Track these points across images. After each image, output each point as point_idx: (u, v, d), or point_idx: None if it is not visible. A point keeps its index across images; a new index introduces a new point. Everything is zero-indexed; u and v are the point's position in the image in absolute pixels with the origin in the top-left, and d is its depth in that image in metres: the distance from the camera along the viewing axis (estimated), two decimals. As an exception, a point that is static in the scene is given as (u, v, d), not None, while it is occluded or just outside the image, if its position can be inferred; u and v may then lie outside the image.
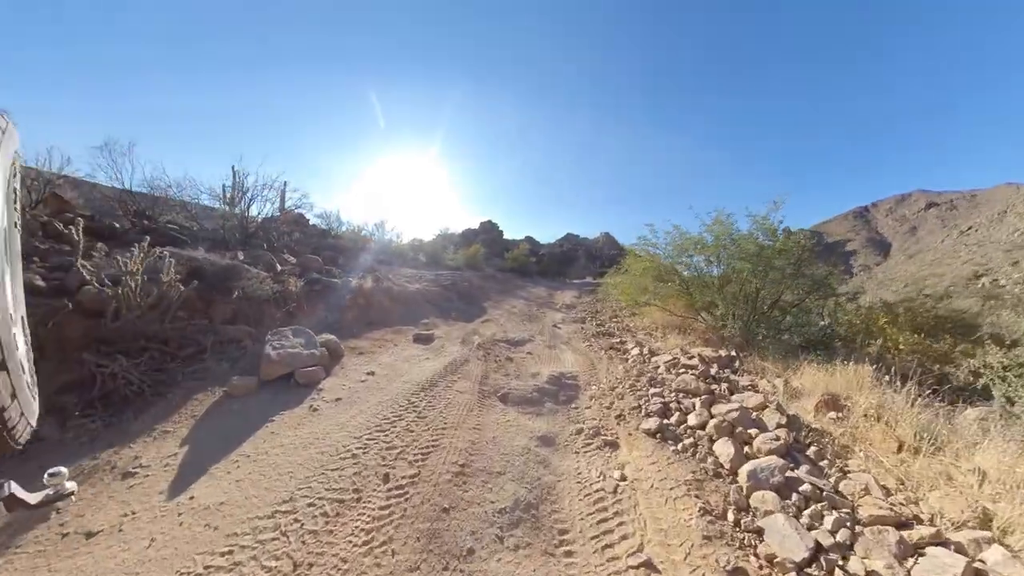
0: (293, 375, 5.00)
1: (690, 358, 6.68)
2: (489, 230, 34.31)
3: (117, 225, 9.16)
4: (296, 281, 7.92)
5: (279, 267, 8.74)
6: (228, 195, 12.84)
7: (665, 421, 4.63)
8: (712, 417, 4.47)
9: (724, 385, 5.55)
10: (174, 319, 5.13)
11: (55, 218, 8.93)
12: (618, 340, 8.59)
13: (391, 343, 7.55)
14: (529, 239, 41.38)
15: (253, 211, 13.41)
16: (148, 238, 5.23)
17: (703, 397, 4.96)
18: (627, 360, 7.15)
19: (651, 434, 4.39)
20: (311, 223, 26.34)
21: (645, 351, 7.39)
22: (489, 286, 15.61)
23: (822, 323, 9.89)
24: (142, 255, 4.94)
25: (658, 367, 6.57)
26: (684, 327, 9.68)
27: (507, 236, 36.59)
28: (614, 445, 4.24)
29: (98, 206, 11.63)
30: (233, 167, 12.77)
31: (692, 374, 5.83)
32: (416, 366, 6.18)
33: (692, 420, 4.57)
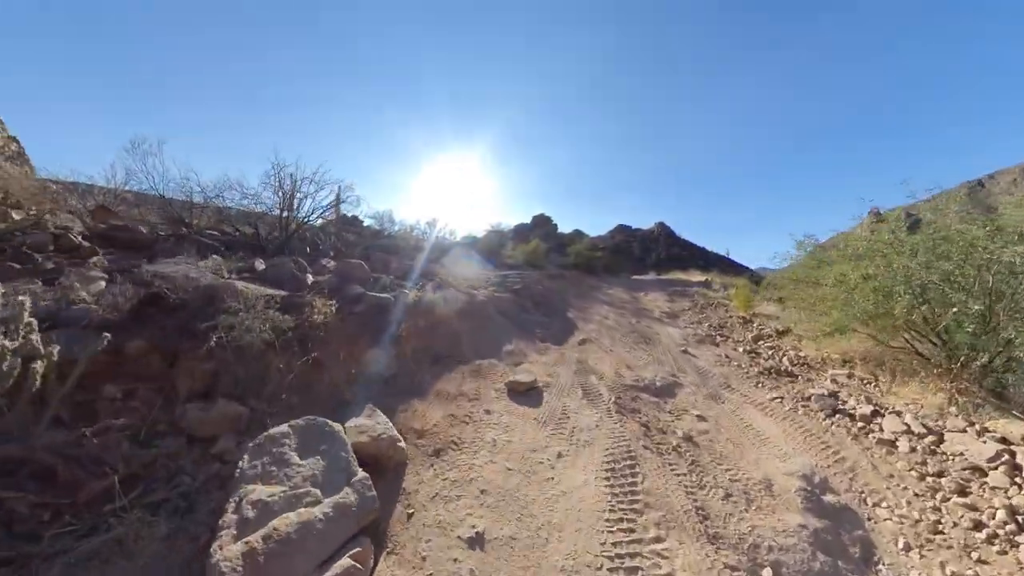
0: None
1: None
2: (543, 224, 31.04)
3: (161, 233, 6.73)
4: (326, 304, 5.05)
5: (310, 278, 5.95)
6: (280, 194, 10.31)
7: None
8: None
9: None
10: (59, 423, 2.28)
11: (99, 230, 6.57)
12: (819, 390, 5.22)
13: (477, 404, 4.54)
14: (578, 232, 37.82)
15: (305, 210, 10.86)
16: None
17: None
18: (894, 451, 3.80)
19: None
20: (365, 224, 24.21)
21: (916, 438, 3.99)
22: (562, 288, 12.45)
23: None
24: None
25: (968, 475, 3.22)
26: (880, 358, 6.17)
27: (561, 229, 33.24)
28: None
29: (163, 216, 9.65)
30: (273, 163, 10.20)
31: None
32: (550, 487, 3.08)
33: None
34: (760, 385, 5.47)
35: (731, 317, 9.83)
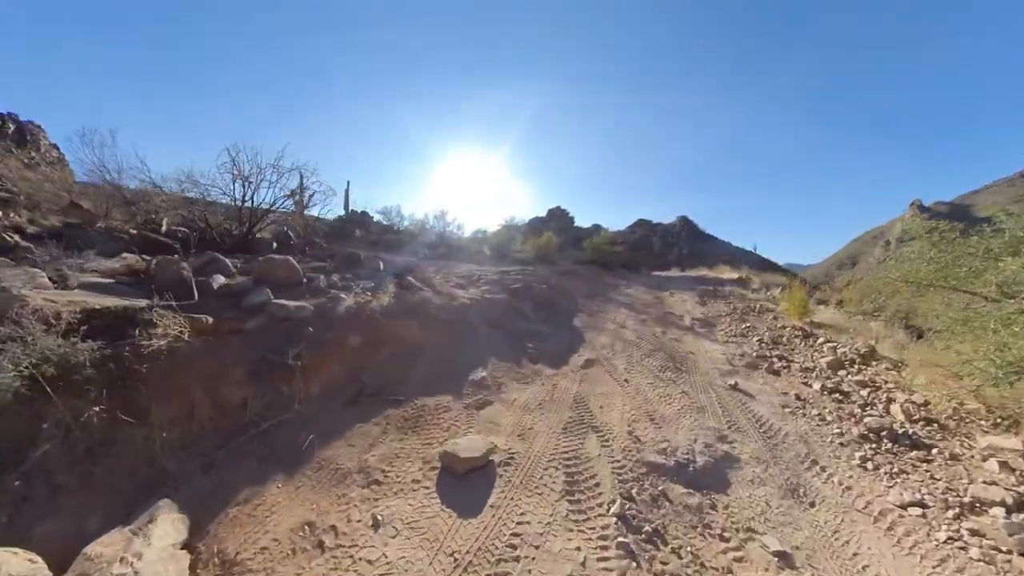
0: None
1: None
2: (559, 217, 28.73)
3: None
4: (176, 322, 3.10)
5: (220, 280, 4.05)
6: (239, 183, 8.53)
7: None
8: None
9: None
10: None
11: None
12: (988, 492, 2.88)
13: (368, 502, 2.47)
14: (596, 227, 35.23)
15: (268, 200, 9.04)
16: None
17: None
18: None
19: None
20: (375, 220, 22.59)
21: None
22: (573, 287, 10.23)
23: None
24: None
25: None
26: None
27: (577, 223, 30.79)
28: None
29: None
30: (228, 147, 8.39)
31: None
32: None
33: None
34: (870, 465, 3.21)
35: (784, 328, 7.44)
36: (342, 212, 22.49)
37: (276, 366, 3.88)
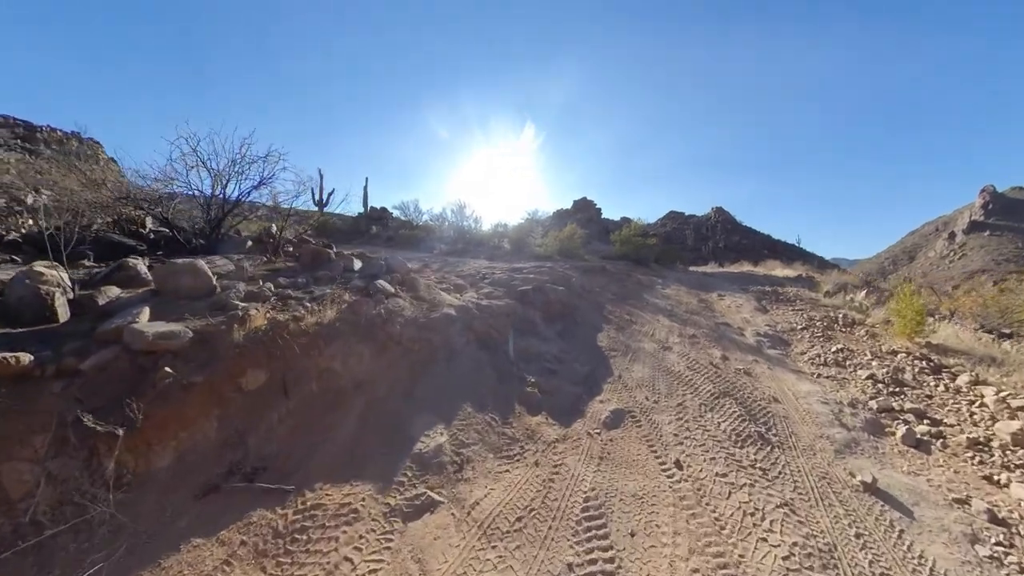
0: None
1: None
2: (585, 208, 26.31)
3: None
4: None
5: (109, 295, 2.28)
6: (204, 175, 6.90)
7: None
8: None
9: None
10: None
11: None
12: None
13: None
14: (625, 220, 32.50)
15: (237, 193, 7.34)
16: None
17: None
18: None
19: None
20: (393, 215, 21.41)
21: None
22: (598, 287, 8.13)
23: None
24: None
25: None
26: None
27: (605, 215, 28.25)
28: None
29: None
30: (186, 135, 6.73)
31: None
32: None
33: None
34: None
35: (895, 354, 5.12)
36: (361, 209, 21.22)
37: (88, 433, 2.12)
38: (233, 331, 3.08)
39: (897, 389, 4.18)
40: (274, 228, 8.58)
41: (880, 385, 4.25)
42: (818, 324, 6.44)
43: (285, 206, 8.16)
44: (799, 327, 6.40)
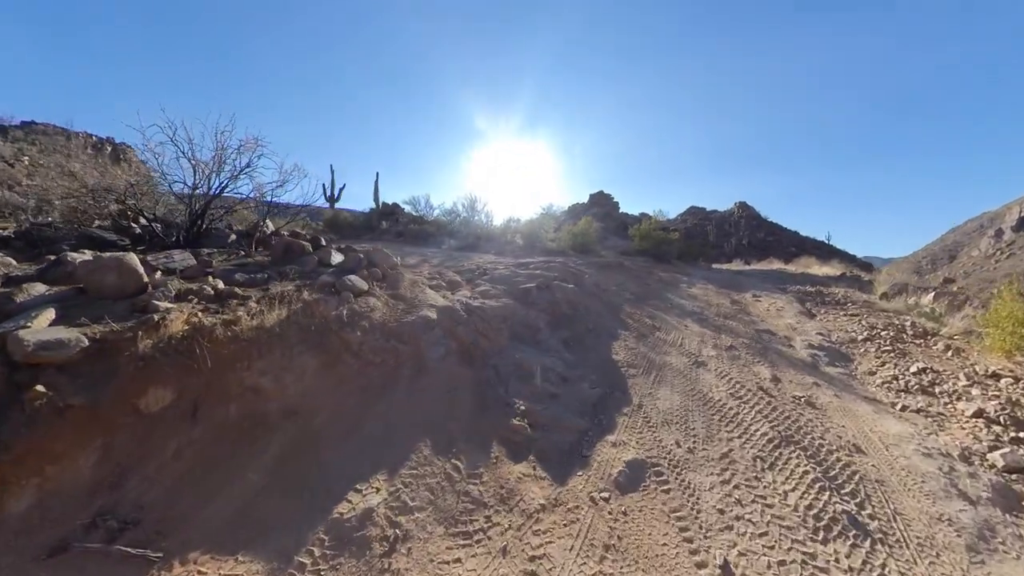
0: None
1: None
2: (602, 202, 24.97)
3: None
4: None
5: None
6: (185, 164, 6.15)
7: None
8: None
9: None
10: None
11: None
12: None
13: None
14: (645, 216, 30.95)
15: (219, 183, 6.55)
16: None
17: None
18: None
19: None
20: (405, 210, 20.81)
21: None
22: (614, 285, 7.04)
23: None
24: None
25: None
26: None
27: (623, 210, 26.80)
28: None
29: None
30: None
31: None
32: None
33: None
34: None
35: (997, 377, 3.90)
36: (372, 205, 20.58)
37: None
38: (138, 339, 2.22)
39: (1022, 434, 3.00)
40: (266, 222, 7.87)
41: (996, 427, 3.07)
42: (883, 335, 5.20)
43: (278, 200, 7.40)
44: (860, 337, 5.17)
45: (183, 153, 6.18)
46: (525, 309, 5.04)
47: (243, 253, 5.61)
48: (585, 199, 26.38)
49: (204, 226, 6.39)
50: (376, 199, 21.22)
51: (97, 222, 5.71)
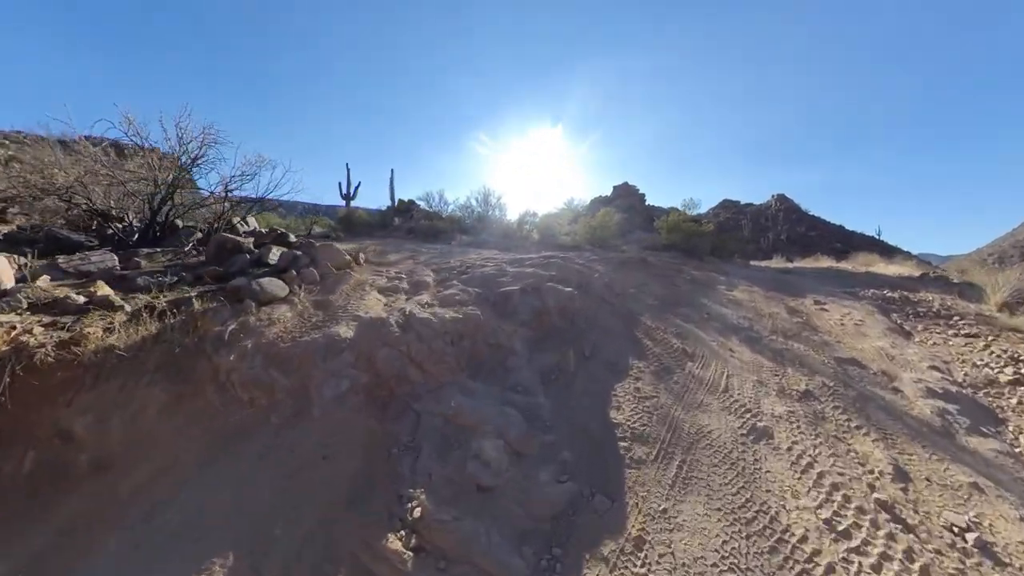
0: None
1: None
2: (626, 194, 22.83)
3: None
4: None
5: None
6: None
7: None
8: None
9: None
10: None
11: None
12: None
13: None
14: (674, 209, 28.41)
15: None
16: None
17: None
18: None
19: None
20: (420, 206, 19.80)
21: None
22: (632, 286, 5.34)
23: None
24: None
25: None
26: None
27: (649, 203, 24.52)
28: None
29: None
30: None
31: None
32: None
33: None
34: None
35: None
36: (388, 202, 19.61)
37: None
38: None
39: None
40: (247, 220, 6.89)
41: None
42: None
43: (280, 198, 6.35)
44: (1004, 378, 3.31)
45: (139, 147, 5.47)
46: (497, 321, 3.50)
47: (189, 252, 4.83)
48: (608, 190, 24.27)
49: (165, 223, 5.53)
50: (392, 196, 20.19)
51: (61, 221, 5.05)
